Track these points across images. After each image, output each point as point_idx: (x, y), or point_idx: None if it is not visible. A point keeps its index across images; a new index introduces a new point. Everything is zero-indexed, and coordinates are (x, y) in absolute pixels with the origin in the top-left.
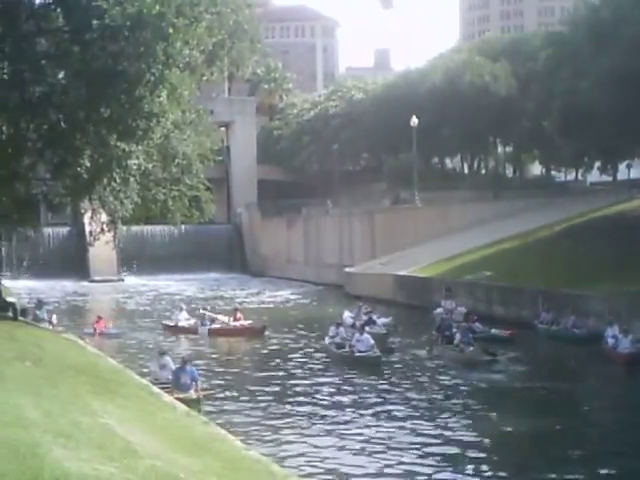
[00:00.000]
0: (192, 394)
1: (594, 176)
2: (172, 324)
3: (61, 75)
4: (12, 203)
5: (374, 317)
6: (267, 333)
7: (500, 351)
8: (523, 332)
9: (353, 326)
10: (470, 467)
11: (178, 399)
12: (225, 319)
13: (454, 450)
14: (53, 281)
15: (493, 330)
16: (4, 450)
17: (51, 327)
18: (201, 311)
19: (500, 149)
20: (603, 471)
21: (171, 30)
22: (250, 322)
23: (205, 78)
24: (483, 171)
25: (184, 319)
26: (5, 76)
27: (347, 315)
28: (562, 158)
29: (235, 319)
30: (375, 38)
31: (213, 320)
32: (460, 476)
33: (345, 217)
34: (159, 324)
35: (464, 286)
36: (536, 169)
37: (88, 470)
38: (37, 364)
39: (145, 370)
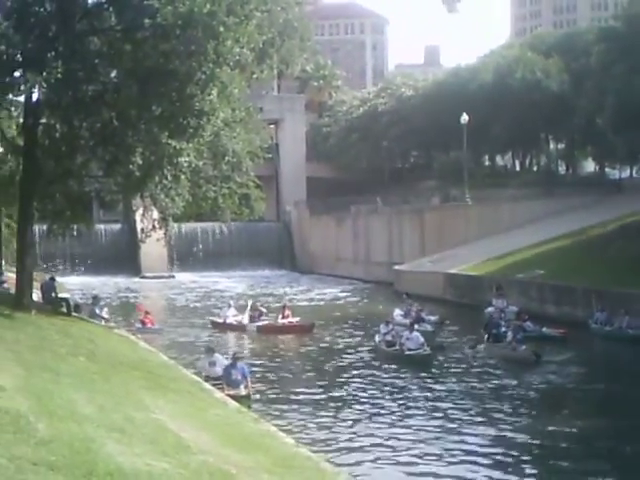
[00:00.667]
0: (242, 390)
1: None
2: (220, 321)
3: (113, 74)
4: (65, 200)
5: (423, 315)
6: (316, 330)
7: (549, 350)
8: (576, 332)
9: (403, 323)
10: (521, 471)
11: (229, 395)
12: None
13: (505, 452)
14: (105, 277)
15: (544, 329)
16: (59, 444)
17: (103, 323)
18: (251, 303)
19: (552, 146)
20: None
21: (222, 28)
22: (298, 319)
23: (255, 76)
24: (535, 168)
25: (232, 316)
26: (59, 75)
27: (397, 313)
28: (616, 155)
29: (284, 316)
30: (425, 34)
31: (260, 314)
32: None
33: (394, 215)
34: (208, 320)
35: (515, 285)
36: (589, 166)
37: (141, 465)
38: (90, 359)
39: (194, 366)
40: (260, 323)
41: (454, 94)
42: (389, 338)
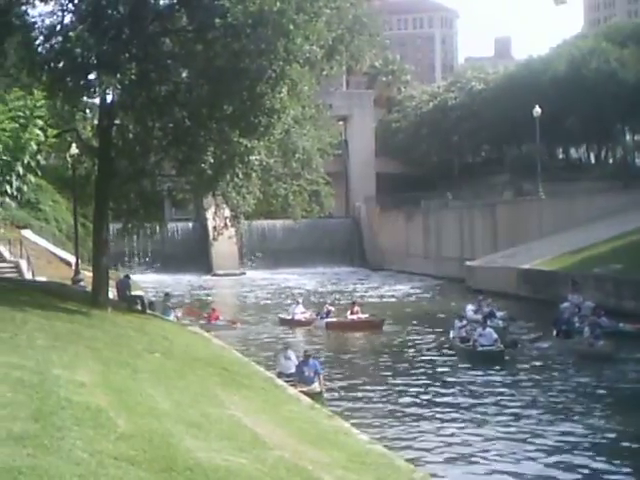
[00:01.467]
0: (316, 387)
1: None
2: (289, 317)
3: (185, 74)
4: (139, 199)
5: (495, 310)
6: (388, 327)
7: (626, 346)
8: None
9: (475, 319)
10: (599, 472)
11: (302, 392)
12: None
13: (582, 453)
14: (177, 275)
15: (621, 324)
16: (138, 439)
17: (176, 320)
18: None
19: (629, 137)
20: None
21: (291, 26)
22: (367, 316)
23: (324, 73)
24: (610, 161)
25: (300, 312)
26: (133, 77)
27: (469, 308)
28: None
29: (352, 312)
30: (495, 26)
31: (329, 311)
32: None
33: (466, 210)
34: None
35: (592, 280)
36: None
37: (219, 460)
38: (166, 356)
39: (266, 362)
40: (329, 320)
41: (526, 86)
42: (463, 334)
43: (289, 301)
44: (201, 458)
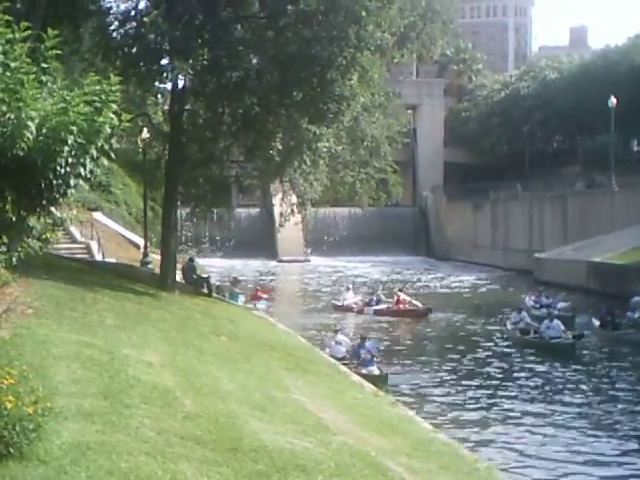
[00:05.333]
0: (375, 370)
1: None
2: (340, 304)
3: (255, 60)
4: (208, 184)
5: (556, 301)
6: (443, 316)
7: None
8: None
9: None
10: None
11: (361, 375)
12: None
13: None
14: (243, 260)
15: None
16: (204, 420)
17: (242, 304)
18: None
19: None
20: None
21: (364, 13)
22: (414, 304)
23: (395, 60)
24: None
25: (350, 298)
26: (205, 62)
27: (528, 299)
28: None
29: (399, 301)
30: (571, 15)
31: (379, 299)
32: None
33: (536, 201)
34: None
35: None
36: None
37: (284, 443)
38: (232, 339)
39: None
40: (377, 307)
41: (601, 76)
42: (522, 325)
43: (356, 289)
44: (266, 440)
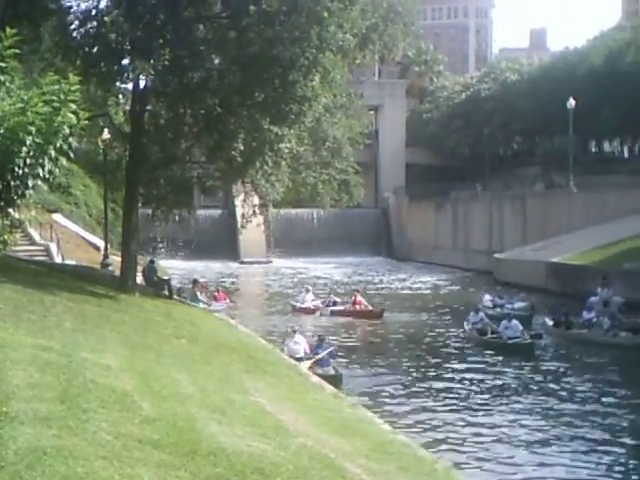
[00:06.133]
0: (330, 370)
1: None
2: (299, 305)
3: (217, 61)
4: (169, 186)
5: (512, 301)
6: (400, 316)
7: None
8: None
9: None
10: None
11: (318, 375)
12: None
13: (618, 450)
14: (205, 262)
15: None
16: (163, 423)
17: (202, 306)
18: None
19: None
20: None
21: (326, 14)
22: (366, 305)
23: (357, 61)
24: None
25: (310, 300)
26: (166, 63)
27: (487, 298)
28: None
29: (355, 302)
30: (531, 17)
31: (335, 301)
32: None
33: (495, 201)
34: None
35: (622, 275)
36: None
37: (243, 446)
38: (192, 341)
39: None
40: (334, 308)
41: (561, 79)
42: (480, 326)
43: (315, 290)
44: (224, 443)
